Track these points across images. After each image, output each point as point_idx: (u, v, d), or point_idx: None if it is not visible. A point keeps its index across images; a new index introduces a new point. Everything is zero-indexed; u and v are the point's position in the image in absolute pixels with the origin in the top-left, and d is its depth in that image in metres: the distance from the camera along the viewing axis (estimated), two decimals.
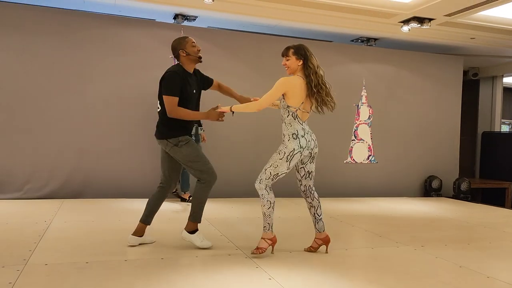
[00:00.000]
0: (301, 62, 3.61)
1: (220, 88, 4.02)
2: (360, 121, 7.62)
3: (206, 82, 3.94)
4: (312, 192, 3.75)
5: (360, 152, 7.62)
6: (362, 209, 6.23)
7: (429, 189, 7.94)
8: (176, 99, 3.54)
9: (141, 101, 6.31)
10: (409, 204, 6.93)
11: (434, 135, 8.13)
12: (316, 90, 3.58)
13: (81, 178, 6.06)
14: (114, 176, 6.17)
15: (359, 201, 6.93)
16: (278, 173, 3.51)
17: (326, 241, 3.71)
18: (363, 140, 7.66)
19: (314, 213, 3.70)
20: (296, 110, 3.56)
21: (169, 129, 3.61)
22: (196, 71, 3.85)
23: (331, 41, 7.76)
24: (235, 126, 6.52)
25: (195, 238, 3.66)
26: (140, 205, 5.69)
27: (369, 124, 7.68)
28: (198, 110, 3.81)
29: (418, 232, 4.83)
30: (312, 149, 3.65)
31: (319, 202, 3.74)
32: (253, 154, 6.92)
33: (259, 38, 7.11)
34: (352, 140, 7.59)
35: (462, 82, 8.40)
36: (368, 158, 7.68)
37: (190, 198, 5.86)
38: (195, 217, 3.67)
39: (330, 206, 6.32)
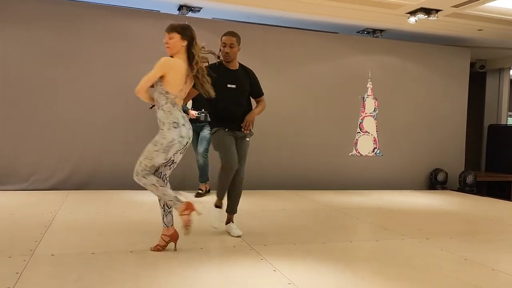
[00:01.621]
0: (185, 43, 3.28)
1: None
2: (365, 113, 7.58)
3: (253, 90, 4.08)
4: (166, 182, 3.34)
5: (365, 145, 7.59)
6: (367, 201, 6.22)
7: (434, 182, 7.92)
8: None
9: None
10: (414, 197, 6.91)
11: (440, 127, 8.08)
12: (198, 77, 3.29)
13: (86, 169, 6.08)
14: (120, 168, 6.17)
15: (364, 194, 6.92)
16: (154, 164, 3.22)
17: (174, 237, 3.35)
18: (369, 132, 7.62)
19: (164, 205, 3.35)
20: (175, 98, 3.22)
21: (212, 120, 4.06)
22: (249, 70, 4.07)
23: (336, 33, 7.70)
24: None
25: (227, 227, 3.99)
26: (145, 197, 5.73)
27: (375, 117, 7.64)
28: (245, 106, 3.95)
29: (423, 225, 4.82)
30: (189, 139, 3.30)
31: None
32: (258, 146, 6.91)
33: (264, 30, 7.07)
34: (357, 132, 7.56)
35: (469, 74, 8.33)
36: (373, 151, 7.65)
37: (209, 190, 5.92)
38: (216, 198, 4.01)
39: (335, 198, 6.32)
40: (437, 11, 6.45)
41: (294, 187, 6.97)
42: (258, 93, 4.11)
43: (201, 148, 5.91)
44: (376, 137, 7.65)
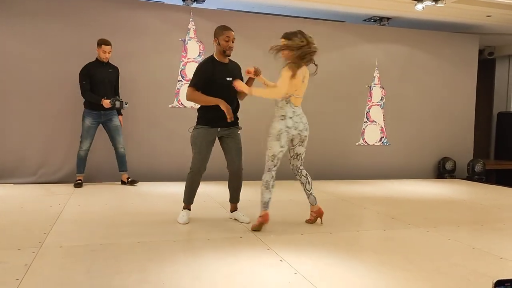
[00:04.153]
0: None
1: (241, 97, 4.13)
2: (372, 102, 7.53)
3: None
4: (299, 171, 4.05)
5: (372, 134, 7.55)
6: (375, 191, 6.20)
7: (442, 170, 7.86)
8: (192, 89, 3.86)
9: (151, 84, 6.32)
10: (422, 186, 6.87)
11: (448, 116, 8.00)
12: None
13: (94, 162, 6.11)
14: (128, 160, 6.21)
15: (371, 183, 6.89)
16: (274, 154, 3.79)
17: (319, 213, 4.04)
18: (376, 122, 7.57)
19: (304, 189, 4.05)
20: (290, 97, 3.78)
21: (198, 117, 3.98)
22: (237, 65, 4.06)
23: (343, 21, 7.62)
24: (250, 112, 6.51)
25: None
26: (152, 188, 5.76)
27: (382, 106, 7.58)
28: (232, 98, 3.94)
29: (431, 213, 4.80)
30: (301, 131, 3.86)
31: (307, 179, 4.04)
32: (265, 136, 6.90)
33: (269, 19, 7.01)
34: (364, 122, 7.51)
35: (477, 62, 8.22)
36: (380, 140, 7.61)
37: (129, 180, 5.87)
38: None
39: (342, 188, 6.31)
40: None
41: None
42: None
43: (119, 138, 5.80)
44: (383, 126, 7.60)
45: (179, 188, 5.82)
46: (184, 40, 6.49)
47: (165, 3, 6.63)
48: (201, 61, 4.08)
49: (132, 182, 5.90)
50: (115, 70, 5.87)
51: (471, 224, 4.45)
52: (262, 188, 3.81)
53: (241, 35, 6.93)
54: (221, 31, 3.87)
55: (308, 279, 2.70)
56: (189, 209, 4.07)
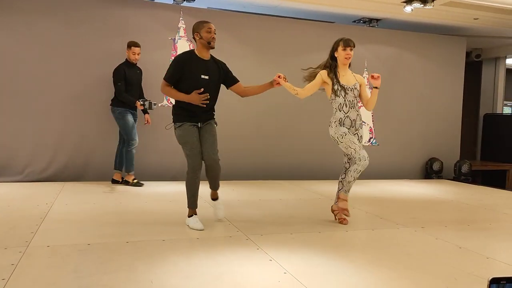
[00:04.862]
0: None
1: (245, 92, 4.06)
2: (361, 103, 7.57)
3: (228, 79, 3.98)
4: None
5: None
6: (363, 191, 6.24)
7: (430, 171, 7.95)
8: (165, 83, 3.76)
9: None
10: (410, 186, 6.94)
11: (436, 117, 8.09)
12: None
13: (82, 160, 6.07)
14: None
15: (360, 184, 6.93)
16: (351, 147, 4.17)
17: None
18: (365, 122, 7.62)
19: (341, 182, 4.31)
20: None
21: (173, 113, 3.84)
22: (219, 62, 3.94)
23: (333, 22, 7.66)
24: (239, 112, 6.51)
25: (187, 220, 3.87)
26: (141, 187, 5.73)
27: None
28: (215, 98, 3.89)
29: (418, 213, 4.85)
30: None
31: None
32: (254, 136, 6.91)
33: (260, 19, 7.02)
34: None
35: (464, 64, 8.32)
36: (369, 141, 7.66)
37: (135, 181, 5.81)
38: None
39: (331, 188, 6.33)
40: None
41: (291, 177, 6.98)
42: (235, 79, 4.01)
43: (137, 138, 5.83)
44: (372, 127, 7.66)
45: (167, 187, 5.81)
46: (174, 39, 6.47)
47: (155, 1, 6.60)
48: (177, 55, 3.93)
49: (138, 184, 5.86)
50: (141, 71, 5.95)
51: (458, 224, 4.50)
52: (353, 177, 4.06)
53: (231, 34, 6.96)
54: (201, 24, 3.77)
55: (297, 278, 2.71)
56: (196, 214, 3.89)
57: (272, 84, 3.97)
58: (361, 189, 6.44)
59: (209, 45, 3.78)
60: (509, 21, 7.34)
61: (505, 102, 10.23)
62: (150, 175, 6.20)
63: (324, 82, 4.09)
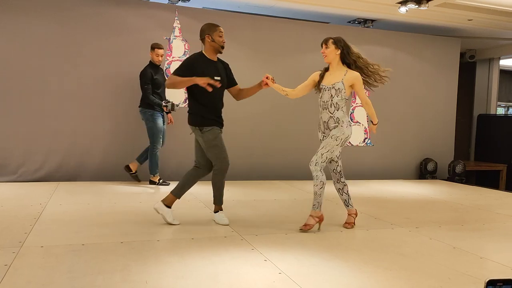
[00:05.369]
0: (338, 52, 3.87)
1: (239, 95, 4.10)
2: (356, 103, 7.59)
3: (229, 80, 4.03)
4: (341, 174, 4.11)
5: (356, 135, 7.61)
6: (358, 191, 6.25)
7: (424, 171, 7.98)
8: (175, 76, 3.79)
9: (135, 83, 6.25)
10: (404, 187, 6.97)
11: (430, 117, 8.13)
12: (370, 78, 4.05)
13: (76, 160, 6.04)
14: (109, 159, 6.15)
15: (355, 184, 6.95)
16: (331, 157, 3.87)
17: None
18: (359, 123, 7.64)
19: (343, 192, 4.12)
20: (346, 100, 3.88)
21: (198, 116, 3.84)
22: (224, 62, 4.01)
23: (328, 23, 7.67)
24: (234, 112, 6.50)
25: (215, 216, 4.04)
26: (135, 188, 5.71)
27: None
28: (222, 98, 3.93)
29: (413, 214, 4.87)
30: None
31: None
32: (250, 137, 6.91)
33: (255, 19, 7.02)
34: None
35: (459, 64, 8.37)
36: (364, 141, 7.68)
37: (160, 181, 5.90)
38: (215, 201, 4.06)
39: (326, 188, 6.33)
40: (427, 0, 6.45)
41: (286, 178, 6.99)
42: (235, 81, 4.09)
43: (165, 140, 5.96)
44: (367, 127, 7.68)
45: (162, 188, 5.79)
46: (169, 39, 6.45)
47: (150, 1, 6.58)
48: (188, 56, 4.02)
49: (152, 182, 5.95)
50: (164, 72, 6.03)
51: (451, 224, 4.52)
52: (320, 189, 3.81)
53: (226, 34, 6.86)
54: (214, 27, 3.85)
55: (292, 278, 2.71)
56: (222, 209, 4.07)
57: (260, 85, 3.99)
58: (356, 189, 6.45)
59: (222, 49, 3.87)
60: (503, 22, 7.38)
61: (498, 102, 10.30)
62: (145, 176, 6.18)
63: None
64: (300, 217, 4.46)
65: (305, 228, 3.81)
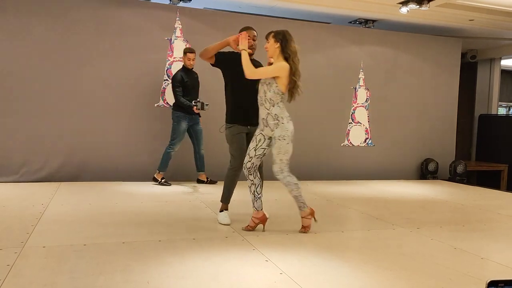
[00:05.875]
0: (278, 45, 3.69)
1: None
2: (357, 103, 7.60)
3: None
4: (257, 170, 3.81)
5: (357, 135, 7.62)
6: (359, 191, 6.26)
7: (425, 171, 7.98)
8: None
9: (137, 83, 6.27)
10: (405, 187, 6.96)
11: (431, 117, 8.13)
12: (296, 77, 3.67)
13: (77, 161, 6.05)
14: (111, 159, 6.16)
15: (355, 184, 6.96)
16: (288, 157, 3.72)
17: (263, 220, 3.80)
18: (360, 123, 7.65)
19: (254, 191, 3.79)
20: (283, 95, 3.68)
21: (226, 113, 4.02)
22: (256, 63, 4.09)
23: (329, 23, 7.67)
24: None
25: (218, 215, 4.09)
26: (137, 188, 5.72)
27: (367, 107, 7.66)
28: (250, 97, 3.84)
29: (414, 214, 4.87)
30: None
31: (261, 181, 3.85)
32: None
33: (256, 20, 7.00)
34: (349, 123, 7.58)
35: (460, 65, 8.36)
36: (365, 141, 7.68)
37: (163, 180, 5.95)
38: (221, 198, 4.10)
39: (327, 189, 6.35)
40: (428, 1, 6.44)
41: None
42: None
43: (202, 141, 6.06)
44: (368, 127, 7.68)
45: (163, 188, 5.80)
46: (170, 39, 6.46)
47: (151, 1, 6.59)
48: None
49: (212, 182, 6.08)
50: (197, 75, 6.08)
51: (453, 224, 4.52)
52: (298, 191, 3.71)
53: (227, 35, 6.90)
54: (249, 30, 4.00)
55: (293, 279, 2.72)
56: (227, 209, 4.08)
57: (235, 41, 3.90)
58: (357, 189, 6.46)
59: (251, 51, 3.96)
60: (504, 23, 7.38)
61: (500, 103, 10.28)
62: (146, 176, 6.18)
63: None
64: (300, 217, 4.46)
65: (305, 230, 3.81)
